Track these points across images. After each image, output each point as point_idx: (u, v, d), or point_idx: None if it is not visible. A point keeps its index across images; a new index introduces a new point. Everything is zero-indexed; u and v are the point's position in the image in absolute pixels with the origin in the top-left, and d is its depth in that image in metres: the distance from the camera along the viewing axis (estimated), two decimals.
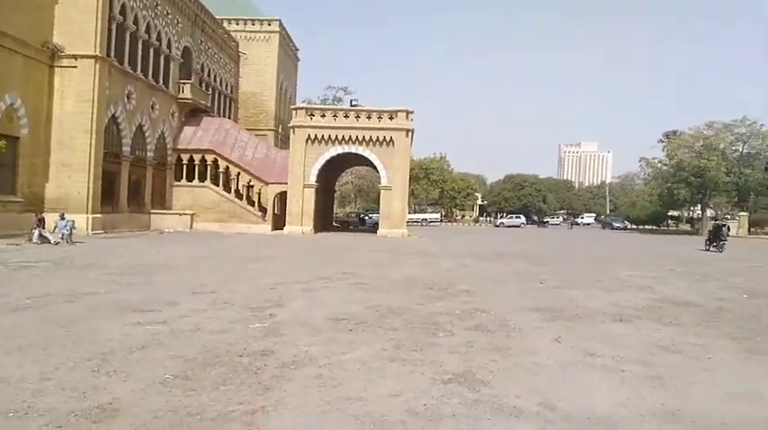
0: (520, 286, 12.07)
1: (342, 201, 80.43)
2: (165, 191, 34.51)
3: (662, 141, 53.41)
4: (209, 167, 35.10)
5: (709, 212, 57.18)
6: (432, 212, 78.27)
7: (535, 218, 79.76)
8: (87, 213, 25.29)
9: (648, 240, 40.23)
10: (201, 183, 34.95)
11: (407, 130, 32.57)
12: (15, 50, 23.18)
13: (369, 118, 32.67)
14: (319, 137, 32.55)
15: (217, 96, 41.77)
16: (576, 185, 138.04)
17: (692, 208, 58.46)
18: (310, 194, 33.19)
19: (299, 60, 52.99)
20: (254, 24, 44.87)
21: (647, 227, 70.22)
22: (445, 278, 13.19)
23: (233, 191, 35.58)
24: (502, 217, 74.76)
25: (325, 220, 40.61)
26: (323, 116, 33.08)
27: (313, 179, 33.07)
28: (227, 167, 35.08)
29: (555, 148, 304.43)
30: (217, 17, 40.44)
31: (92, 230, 25.12)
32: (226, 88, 43.46)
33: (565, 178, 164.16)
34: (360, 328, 7.19)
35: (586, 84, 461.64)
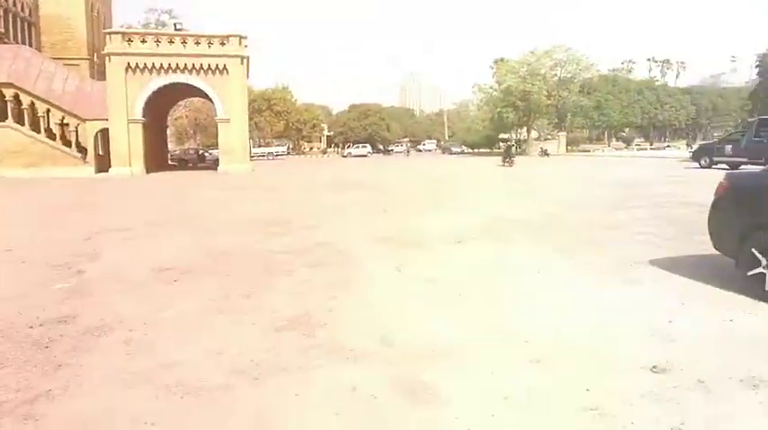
0: (363, 216, 11.91)
1: (180, 137, 74.95)
2: None
3: (492, 68, 56.38)
4: (8, 104, 30.03)
5: (534, 134, 62.45)
6: (278, 145, 76.15)
7: (380, 147, 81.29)
8: None
9: (480, 162, 42.90)
10: (2, 123, 29.92)
11: (242, 57, 30.41)
12: None
13: (197, 44, 29.88)
14: (141, 65, 29.18)
15: (11, 20, 35.34)
16: (418, 113, 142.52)
17: (519, 130, 63.21)
18: (137, 130, 30.05)
19: None
20: None
21: (481, 150, 74.99)
22: (288, 213, 12.60)
23: (43, 130, 31.04)
24: (349, 147, 75.07)
25: (158, 159, 37.37)
26: (143, 42, 29.58)
27: (138, 113, 29.86)
28: (33, 103, 30.31)
29: (398, 77, 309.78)
30: None
31: None
32: (21, 9, 36.87)
33: (407, 106, 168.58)
34: (186, 278, 6.42)
35: (427, 12, 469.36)
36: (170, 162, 45.14)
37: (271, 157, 65.26)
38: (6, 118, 29.96)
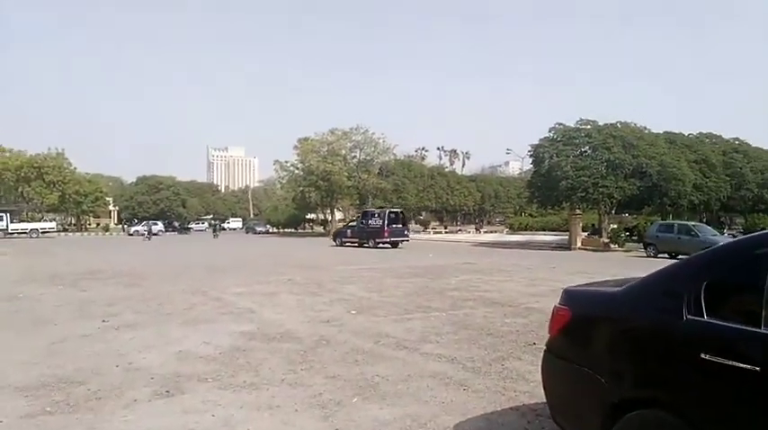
0: (67, 330, 8.06)
1: None
2: None
3: (296, 147, 55.18)
4: None
5: (339, 215, 61.92)
6: (48, 221, 64.88)
7: (176, 224, 74.29)
8: None
9: (279, 243, 40.16)
10: None
11: None
12: None
13: None
14: None
15: None
16: (223, 190, 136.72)
17: (326, 210, 62.41)
18: None
19: None
20: None
21: (287, 230, 72.58)
22: None
23: None
24: (135, 224, 67.01)
25: None
26: None
27: None
28: None
29: (203, 152, 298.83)
30: None
31: None
32: None
33: (214, 182, 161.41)
34: None
35: (238, 87, 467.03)
36: None
37: (35, 235, 54.85)
38: None
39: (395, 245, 32.07)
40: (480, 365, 6.09)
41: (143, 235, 51.84)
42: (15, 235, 53.66)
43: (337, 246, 34.35)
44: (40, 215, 67.08)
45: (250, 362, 6.22)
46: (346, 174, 50.41)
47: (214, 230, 54.83)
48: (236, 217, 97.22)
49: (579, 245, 31.97)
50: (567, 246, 32.17)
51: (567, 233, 34.85)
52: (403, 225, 33.19)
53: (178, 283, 14.14)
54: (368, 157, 54.11)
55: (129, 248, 33.15)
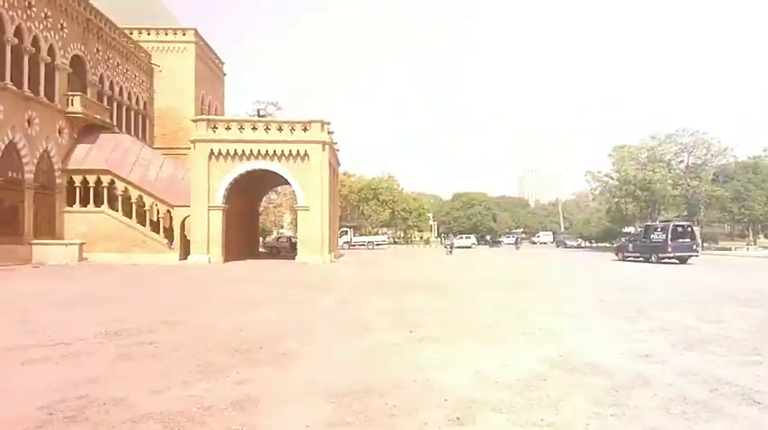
0: (379, 338, 8.64)
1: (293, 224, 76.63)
2: (53, 218, 30.24)
3: (611, 155, 51.50)
4: (105, 190, 31.06)
5: None
6: (381, 235, 75.05)
7: (488, 237, 77.19)
8: None
9: (587, 256, 37.62)
10: (97, 209, 30.82)
11: (324, 143, 29.16)
12: None
13: (280, 130, 29.18)
14: (224, 152, 28.91)
15: (125, 112, 37.71)
16: (533, 203, 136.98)
17: (646, 223, 56.57)
18: (217, 217, 29.36)
19: (224, 74, 49.37)
20: (166, 34, 41.12)
21: (600, 244, 68.29)
22: (289, 328, 9.67)
23: (135, 216, 31.55)
24: (450, 237, 71.96)
25: (246, 247, 36.72)
26: (227, 129, 29.40)
27: (220, 200, 29.26)
28: (126, 189, 31.03)
29: (513, 167, 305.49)
30: (123, 26, 36.69)
31: None
32: (136, 103, 39.42)
33: (524, 196, 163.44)
34: None
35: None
36: (262, 250, 44.79)
37: (371, 247, 63.89)
38: (102, 203, 30.86)
39: (683, 260, 30.19)
40: None
41: (446, 248, 49.99)
42: (357, 246, 63.42)
43: (619, 260, 33.81)
44: (375, 230, 77.96)
45: (550, 396, 5.52)
46: (671, 181, 44.58)
47: (516, 243, 57.73)
48: (546, 230, 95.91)
49: None
50: None
51: None
52: (691, 239, 31.22)
53: (480, 297, 14.21)
54: (698, 161, 46.96)
55: (440, 260, 35.48)
